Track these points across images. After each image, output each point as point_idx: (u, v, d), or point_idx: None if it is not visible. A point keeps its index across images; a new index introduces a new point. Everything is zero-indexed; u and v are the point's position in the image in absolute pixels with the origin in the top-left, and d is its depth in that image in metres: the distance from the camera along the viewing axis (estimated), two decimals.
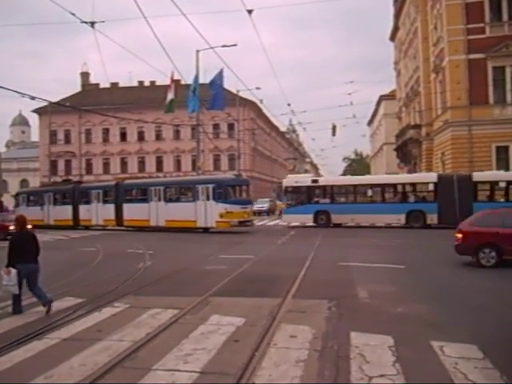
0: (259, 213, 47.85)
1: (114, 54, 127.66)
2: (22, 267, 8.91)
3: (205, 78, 41.85)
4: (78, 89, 75.47)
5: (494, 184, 28.17)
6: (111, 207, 33.38)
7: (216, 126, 63.30)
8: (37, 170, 73.87)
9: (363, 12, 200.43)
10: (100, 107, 56.79)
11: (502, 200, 27.36)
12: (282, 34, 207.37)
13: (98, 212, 34.16)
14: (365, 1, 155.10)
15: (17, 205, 41.08)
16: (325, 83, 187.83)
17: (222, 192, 28.31)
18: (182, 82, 41.97)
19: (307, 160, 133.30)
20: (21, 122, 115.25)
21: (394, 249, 18.93)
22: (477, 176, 28.15)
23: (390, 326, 7.40)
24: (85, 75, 76.66)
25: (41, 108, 61.70)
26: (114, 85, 69.81)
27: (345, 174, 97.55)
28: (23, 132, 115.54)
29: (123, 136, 68.26)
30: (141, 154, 67.66)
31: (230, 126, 61.33)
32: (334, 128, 48.88)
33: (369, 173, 69.12)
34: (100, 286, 11.66)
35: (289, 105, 66.05)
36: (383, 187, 31.12)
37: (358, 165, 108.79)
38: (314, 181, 32.86)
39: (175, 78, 40.26)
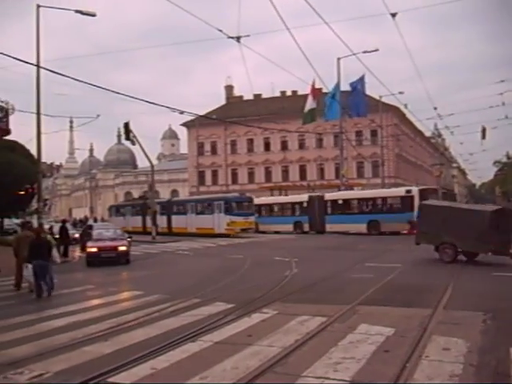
0: None
1: (255, 66, 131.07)
2: (36, 263, 12.74)
3: (346, 85, 41.61)
4: (223, 101, 77.70)
5: (335, 201, 37.11)
6: (164, 218, 41.31)
7: (359, 133, 62.46)
8: (186, 180, 77.49)
9: None
10: (244, 118, 58.61)
11: (339, 212, 36.20)
12: (424, 34, 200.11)
13: (157, 221, 40.21)
14: None
15: (110, 215, 52.29)
16: (472, 84, 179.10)
17: (229, 207, 36.80)
18: (324, 90, 41.99)
19: (454, 165, 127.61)
20: (170, 135, 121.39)
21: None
22: (327, 196, 38.16)
23: None
24: (229, 88, 78.84)
25: (189, 121, 64.85)
26: (257, 96, 71.42)
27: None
28: (173, 145, 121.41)
29: (267, 146, 69.38)
30: (284, 163, 68.39)
31: (373, 133, 60.17)
32: (483, 131, 46.28)
33: None
34: (248, 292, 12.00)
35: (435, 108, 63.30)
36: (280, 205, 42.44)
37: (510, 169, 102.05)
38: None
39: (317, 86, 40.62)
